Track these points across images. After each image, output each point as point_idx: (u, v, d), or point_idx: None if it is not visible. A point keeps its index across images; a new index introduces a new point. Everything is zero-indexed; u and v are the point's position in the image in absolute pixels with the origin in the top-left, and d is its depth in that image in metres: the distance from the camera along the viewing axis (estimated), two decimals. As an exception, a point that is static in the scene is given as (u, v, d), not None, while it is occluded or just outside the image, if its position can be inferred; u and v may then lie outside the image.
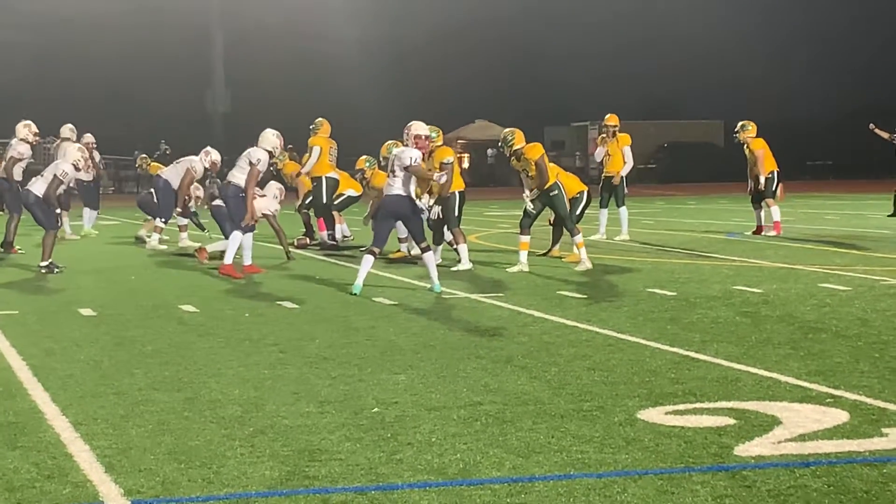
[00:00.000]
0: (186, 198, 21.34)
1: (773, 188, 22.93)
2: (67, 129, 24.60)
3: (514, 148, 17.12)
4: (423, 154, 15.45)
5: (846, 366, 9.43)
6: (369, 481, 6.43)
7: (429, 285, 14.71)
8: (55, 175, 17.55)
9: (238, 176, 17.09)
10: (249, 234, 17.17)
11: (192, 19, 67.69)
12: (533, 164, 16.93)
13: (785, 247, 20.33)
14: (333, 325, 12.04)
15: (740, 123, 23.39)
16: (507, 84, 76.64)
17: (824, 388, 8.55)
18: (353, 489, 6.29)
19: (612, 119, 22.54)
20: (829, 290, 14.13)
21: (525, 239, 17.15)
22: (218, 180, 20.67)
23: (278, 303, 13.78)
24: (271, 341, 11.04)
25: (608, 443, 7.13)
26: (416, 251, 18.42)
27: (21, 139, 20.88)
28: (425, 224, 16.61)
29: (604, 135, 22.79)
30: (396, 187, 14.58)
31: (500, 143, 17.65)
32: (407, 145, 15.31)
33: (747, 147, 23.10)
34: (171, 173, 21.63)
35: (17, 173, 20.95)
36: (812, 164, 61.07)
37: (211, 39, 67.31)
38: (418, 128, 15.54)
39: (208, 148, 21.69)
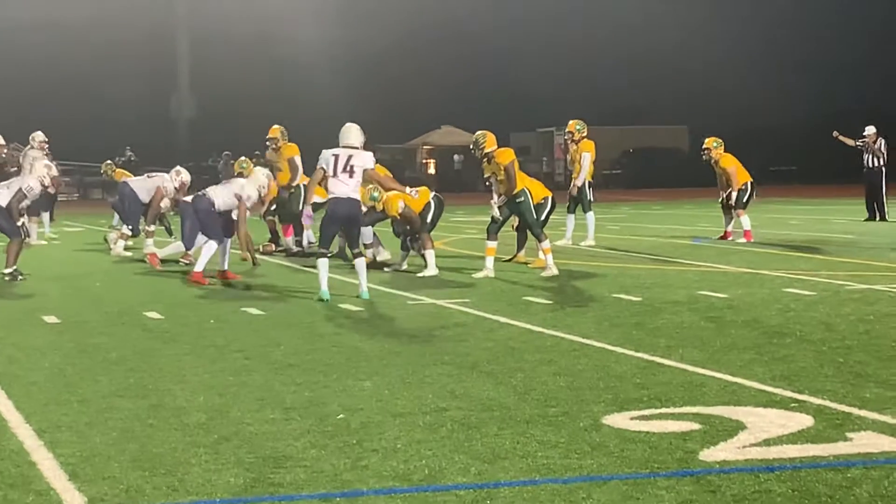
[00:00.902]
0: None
1: (746, 199, 22.98)
2: (39, 137, 24.53)
3: (486, 151, 17.14)
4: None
5: (810, 370, 9.47)
6: (334, 488, 6.42)
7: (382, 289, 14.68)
8: (20, 188, 17.48)
9: (219, 194, 17.37)
10: (227, 241, 17.22)
11: (157, 24, 67.50)
12: (502, 168, 16.95)
13: (750, 252, 20.41)
14: (298, 332, 12.02)
15: (704, 145, 23.36)
16: (473, 90, 76.71)
17: (789, 393, 8.59)
18: (318, 496, 6.28)
19: (570, 126, 22.55)
20: (794, 295, 14.19)
21: (492, 244, 17.17)
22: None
23: (243, 309, 13.74)
24: (236, 348, 11.00)
25: (573, 448, 7.14)
26: (381, 257, 18.45)
27: None
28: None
29: (567, 140, 22.83)
30: (351, 189, 14.46)
31: (471, 146, 17.66)
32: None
33: (717, 164, 23.15)
34: (140, 186, 21.47)
35: None
36: (776, 169, 61.33)
37: (176, 44, 67.12)
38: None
39: (178, 168, 21.61)
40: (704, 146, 23.37)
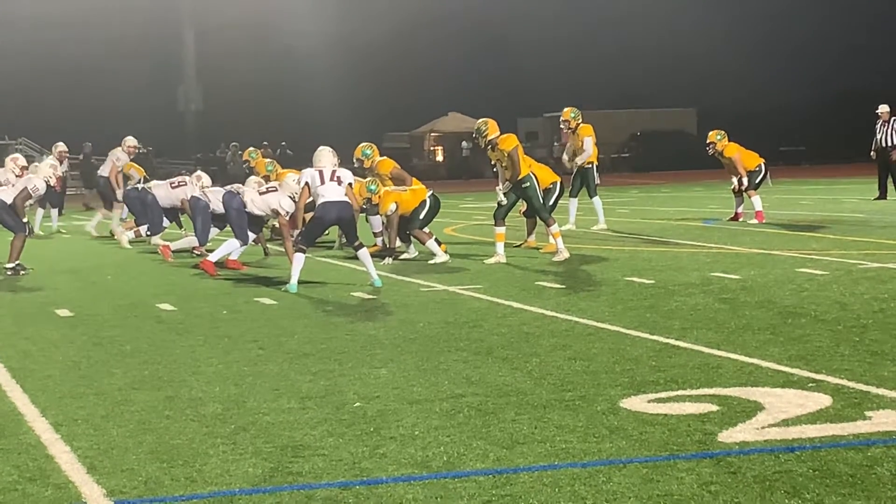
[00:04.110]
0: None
1: (759, 181, 22.93)
2: (130, 142, 24.94)
3: (489, 138, 17.11)
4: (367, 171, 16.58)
5: (827, 350, 9.44)
6: (353, 476, 6.41)
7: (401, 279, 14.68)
8: (26, 187, 17.54)
9: (255, 201, 17.56)
10: (249, 241, 17.52)
11: (163, 16, 67.45)
12: (506, 155, 16.92)
13: (761, 233, 20.36)
14: (312, 321, 12.01)
15: (708, 139, 23.21)
16: (480, 76, 76.63)
17: (806, 373, 8.56)
18: (337, 484, 6.26)
19: (565, 114, 22.43)
20: (807, 275, 14.15)
21: (501, 230, 17.14)
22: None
23: (256, 299, 13.73)
24: (250, 338, 10.99)
25: (591, 432, 7.12)
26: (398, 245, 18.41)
27: (10, 170, 20.43)
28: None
29: (563, 129, 22.75)
30: (342, 193, 14.63)
31: (474, 134, 17.64)
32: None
33: (721, 156, 23.03)
34: (164, 195, 21.39)
35: None
36: (785, 149, 61.19)
37: (182, 36, 67.06)
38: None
39: (199, 172, 21.63)
40: (708, 140, 23.24)
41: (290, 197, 17.26)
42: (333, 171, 14.71)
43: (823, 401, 7.68)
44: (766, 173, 23.09)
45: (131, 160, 25.87)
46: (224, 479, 6.42)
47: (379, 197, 17.42)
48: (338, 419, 7.66)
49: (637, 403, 7.80)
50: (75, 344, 11.02)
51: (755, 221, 22.24)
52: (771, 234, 20.14)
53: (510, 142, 17.01)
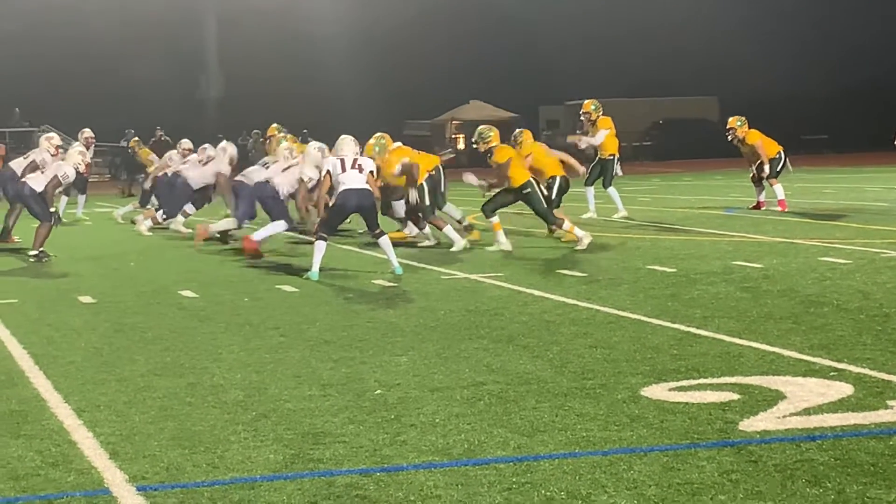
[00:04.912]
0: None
1: (779, 169, 22.85)
2: (186, 145, 24.99)
3: (491, 145, 17.15)
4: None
5: (849, 339, 9.42)
6: (374, 463, 6.42)
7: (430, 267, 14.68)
8: (56, 175, 17.64)
9: (283, 182, 17.64)
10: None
11: (185, 4, 67.48)
12: (498, 165, 16.99)
13: (784, 221, 20.31)
14: (333, 308, 12.03)
15: (728, 125, 23.18)
16: (502, 64, 76.43)
17: (827, 362, 8.54)
18: (358, 471, 6.28)
19: (585, 106, 22.44)
20: (830, 264, 14.11)
21: (494, 220, 17.05)
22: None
23: (277, 287, 13.76)
24: (272, 325, 11.02)
25: (612, 420, 7.12)
26: (415, 231, 18.41)
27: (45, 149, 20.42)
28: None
29: (584, 121, 22.69)
30: (363, 181, 14.66)
31: (474, 138, 17.60)
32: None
33: (743, 143, 22.99)
34: (195, 176, 21.42)
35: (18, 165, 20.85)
36: (807, 138, 60.93)
37: (203, 24, 67.12)
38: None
39: (224, 144, 21.66)
40: (728, 126, 23.21)
41: (316, 168, 17.13)
42: (355, 160, 14.75)
43: (845, 390, 7.66)
44: (785, 160, 23.02)
45: (149, 146, 25.92)
46: (245, 466, 6.44)
47: (383, 161, 17.17)
48: (359, 406, 7.68)
49: (658, 392, 7.79)
50: (98, 330, 11.06)
51: (778, 209, 22.18)
52: (793, 222, 20.08)
53: (503, 155, 16.98)
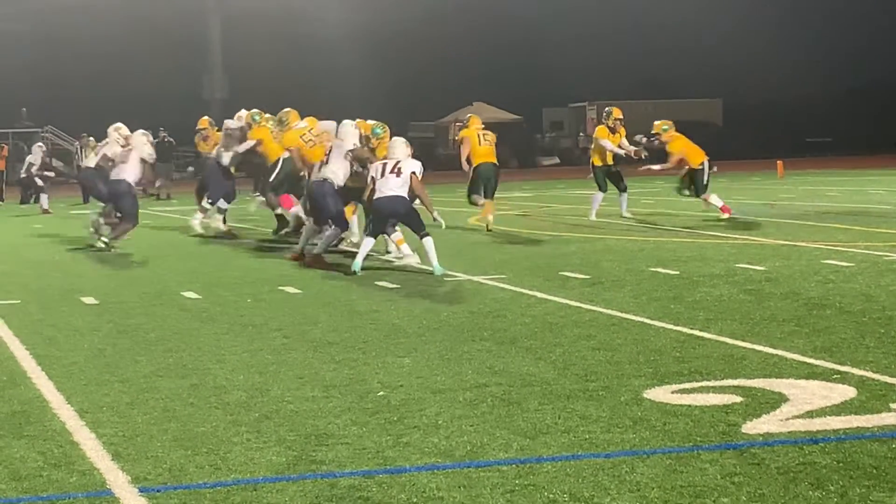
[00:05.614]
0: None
1: (705, 182, 21.79)
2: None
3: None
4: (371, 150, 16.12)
5: (851, 342, 9.41)
6: (377, 465, 6.42)
7: (430, 268, 14.65)
8: (141, 158, 18.05)
9: (337, 171, 16.14)
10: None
11: (189, 4, 67.48)
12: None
13: (787, 224, 20.30)
14: (336, 310, 12.02)
15: (653, 131, 22.47)
16: (505, 66, 76.45)
17: (830, 365, 8.53)
18: (361, 473, 6.28)
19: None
20: (833, 267, 14.10)
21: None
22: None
23: (280, 288, 13.76)
24: (274, 326, 11.02)
25: (615, 422, 7.11)
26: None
27: (115, 140, 20.29)
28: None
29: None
30: (397, 187, 14.67)
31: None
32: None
33: (664, 147, 22.20)
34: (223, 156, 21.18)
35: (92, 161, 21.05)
36: (811, 141, 60.93)
37: (208, 25, 67.13)
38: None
39: (240, 114, 21.58)
40: (654, 130, 22.42)
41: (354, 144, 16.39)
42: (396, 163, 14.80)
43: (848, 392, 7.65)
44: (709, 170, 21.93)
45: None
46: (248, 467, 6.44)
47: (381, 143, 16.67)
48: (361, 408, 7.67)
49: (661, 394, 7.79)
50: (100, 331, 11.06)
51: (725, 216, 21.34)
52: (796, 225, 20.08)
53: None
